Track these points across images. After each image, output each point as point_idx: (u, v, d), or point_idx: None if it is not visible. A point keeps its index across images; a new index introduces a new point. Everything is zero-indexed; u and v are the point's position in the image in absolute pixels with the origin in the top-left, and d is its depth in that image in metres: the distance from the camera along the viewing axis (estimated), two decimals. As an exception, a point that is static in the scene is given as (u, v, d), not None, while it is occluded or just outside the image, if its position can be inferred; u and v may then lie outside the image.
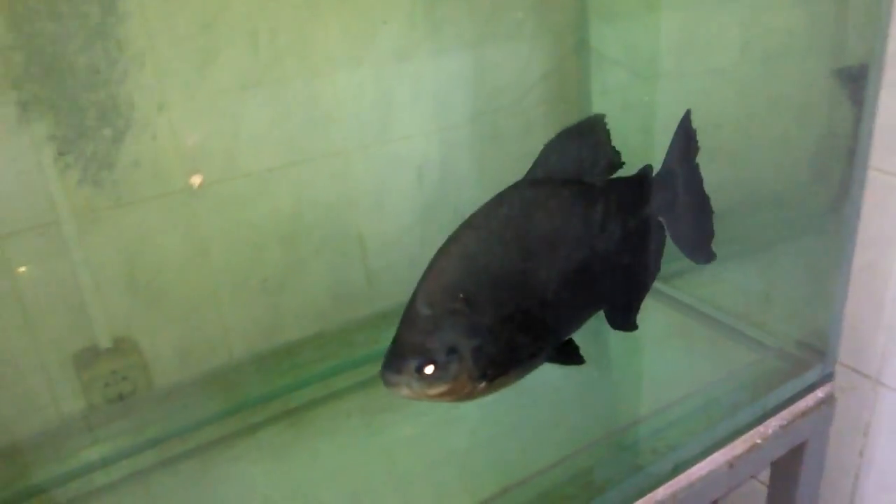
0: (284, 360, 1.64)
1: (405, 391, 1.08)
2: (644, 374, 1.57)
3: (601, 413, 1.49)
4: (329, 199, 1.65)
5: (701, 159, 1.74)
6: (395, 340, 1.10)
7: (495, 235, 1.16)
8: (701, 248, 1.40)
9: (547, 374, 1.50)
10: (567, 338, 1.24)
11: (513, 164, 1.24)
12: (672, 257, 1.82)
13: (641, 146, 1.74)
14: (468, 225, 1.17)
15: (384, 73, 1.62)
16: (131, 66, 1.37)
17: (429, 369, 1.06)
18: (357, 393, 1.55)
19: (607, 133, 1.26)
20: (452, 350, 1.08)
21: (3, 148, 1.31)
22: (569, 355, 1.24)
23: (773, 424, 1.43)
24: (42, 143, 1.33)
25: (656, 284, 1.76)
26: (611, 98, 1.80)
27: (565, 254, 1.20)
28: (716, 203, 1.72)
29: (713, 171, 1.73)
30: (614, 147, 1.26)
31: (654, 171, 1.35)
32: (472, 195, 1.24)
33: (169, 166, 1.45)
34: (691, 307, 1.69)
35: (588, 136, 1.25)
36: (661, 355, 1.60)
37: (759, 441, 1.41)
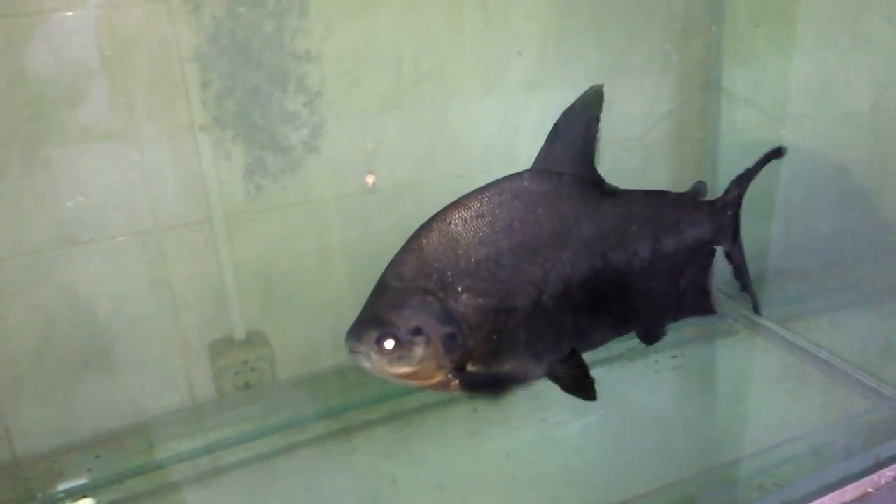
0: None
1: (366, 363, 1.04)
2: (755, 412, 1.55)
3: (709, 446, 1.49)
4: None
5: (828, 205, 1.73)
6: (362, 309, 1.06)
7: (486, 221, 1.06)
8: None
9: (654, 403, 1.52)
10: (575, 355, 1.16)
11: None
12: (792, 300, 1.81)
13: (767, 186, 1.74)
14: (458, 203, 1.08)
15: (513, 101, 1.70)
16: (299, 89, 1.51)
17: (388, 343, 1.02)
18: (466, 402, 1.60)
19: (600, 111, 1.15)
20: (418, 330, 1.02)
21: (172, 150, 1.47)
22: (579, 386, 1.16)
23: (886, 475, 1.39)
24: (208, 148, 1.48)
25: (769, 324, 1.75)
26: (738, 137, 1.80)
27: (570, 257, 1.09)
28: (842, 249, 1.69)
29: (840, 217, 1.71)
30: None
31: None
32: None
33: (311, 178, 1.58)
34: (807, 351, 1.67)
35: (589, 110, 1.14)
36: (774, 395, 1.59)
37: (870, 490, 1.37)
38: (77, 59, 1.35)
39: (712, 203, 1.26)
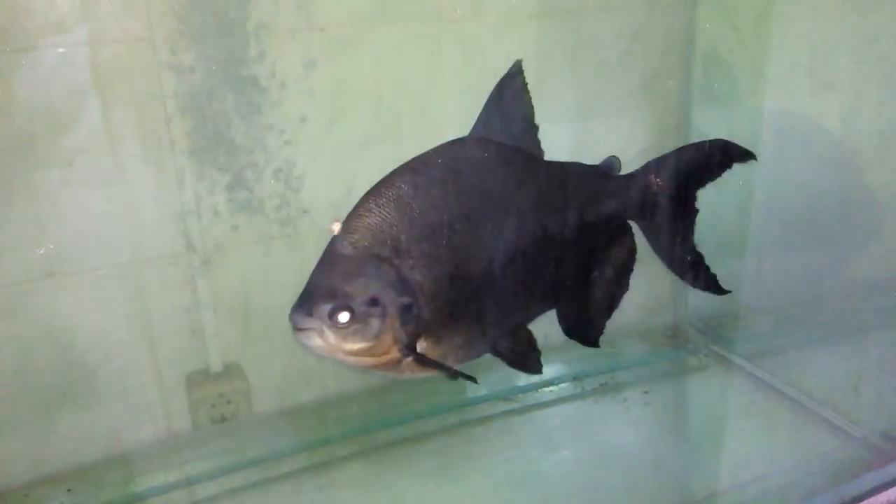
0: (374, 399, 1.73)
1: (317, 341, 0.95)
2: (724, 449, 1.57)
3: (679, 483, 1.50)
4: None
5: (799, 243, 1.76)
6: (309, 281, 0.97)
7: (437, 185, 1.00)
8: (684, 268, 1.28)
9: (625, 439, 1.54)
10: (521, 328, 1.12)
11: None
12: (763, 336, 1.83)
13: (737, 226, 1.77)
14: (403, 168, 1.01)
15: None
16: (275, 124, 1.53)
17: (343, 316, 0.92)
18: (438, 438, 1.62)
19: (524, 82, 1.13)
20: (374, 301, 0.94)
21: (152, 184, 1.49)
22: (523, 360, 1.11)
23: (852, 514, 1.41)
24: (187, 182, 1.50)
25: (740, 361, 1.77)
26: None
27: (512, 223, 1.05)
28: (812, 287, 1.72)
29: (811, 255, 1.74)
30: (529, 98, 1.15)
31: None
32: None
33: (290, 212, 1.60)
34: (776, 388, 1.69)
35: (512, 86, 1.12)
36: (743, 432, 1.61)
37: (836, 529, 1.39)
38: (60, 94, 1.37)
39: (621, 177, 1.24)
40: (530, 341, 1.13)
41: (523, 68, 1.15)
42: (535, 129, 1.15)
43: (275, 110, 1.53)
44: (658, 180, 1.23)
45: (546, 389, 1.70)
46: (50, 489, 1.49)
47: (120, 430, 1.59)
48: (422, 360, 1.00)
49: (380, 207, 0.98)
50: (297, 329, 0.95)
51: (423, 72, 1.64)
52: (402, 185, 0.99)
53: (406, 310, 0.96)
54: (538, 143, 1.15)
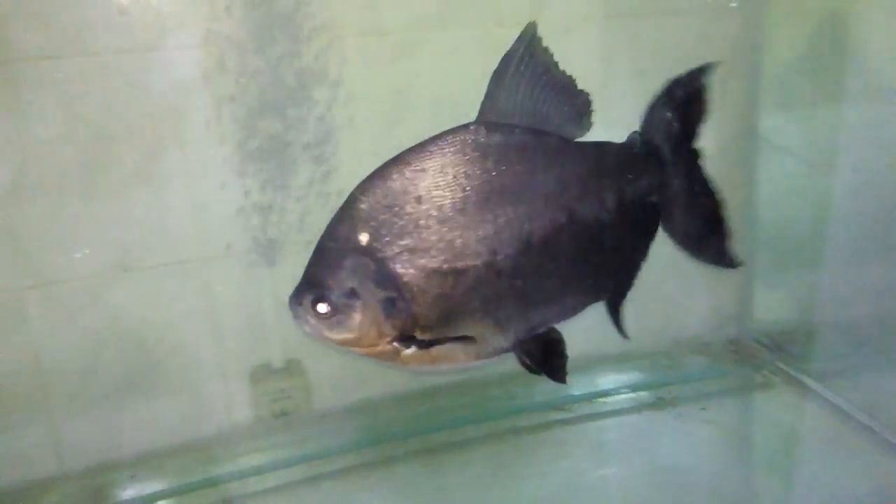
0: (427, 401, 1.74)
1: (306, 327, 0.99)
2: (786, 475, 1.50)
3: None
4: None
5: (878, 256, 1.66)
6: (304, 271, 1.00)
7: (427, 175, 0.97)
8: (707, 247, 1.17)
9: (679, 457, 1.49)
10: (549, 330, 1.07)
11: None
12: (834, 356, 1.74)
13: (812, 238, 1.69)
14: (397, 159, 0.99)
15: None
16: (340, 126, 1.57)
17: (321, 307, 0.96)
18: (488, 444, 1.61)
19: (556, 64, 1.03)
20: (353, 293, 0.96)
21: (219, 184, 1.54)
22: (548, 364, 1.06)
23: (921, 549, 1.33)
24: (254, 181, 1.56)
25: (808, 380, 1.69)
26: (777, 186, 1.76)
27: (526, 213, 1.00)
28: (882, 306, 1.61)
29: (891, 270, 1.64)
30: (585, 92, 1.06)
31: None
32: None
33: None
34: (846, 412, 1.60)
35: (532, 51, 1.03)
36: (807, 458, 1.53)
37: (902, 564, 1.31)
38: (135, 95, 1.44)
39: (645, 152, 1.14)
40: (556, 345, 1.07)
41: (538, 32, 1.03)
42: (566, 100, 1.05)
43: (339, 112, 1.55)
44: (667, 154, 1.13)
45: (600, 400, 1.68)
46: (115, 474, 1.57)
47: (184, 420, 1.65)
48: (423, 352, 1.00)
49: (365, 199, 0.98)
50: (294, 317, 1.00)
51: (481, 77, 1.63)
52: (393, 177, 0.97)
53: (389, 303, 0.96)
54: (573, 114, 1.06)
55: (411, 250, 0.96)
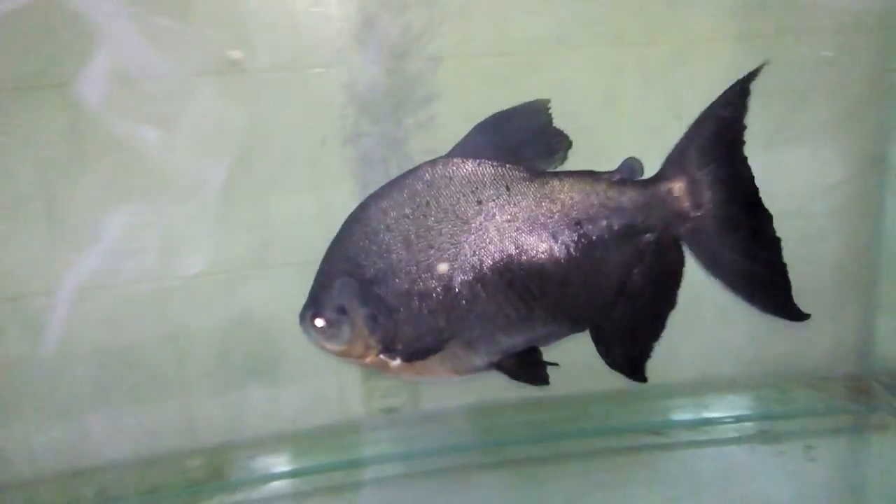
0: (526, 413, 1.77)
1: (311, 339, 1.15)
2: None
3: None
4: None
5: None
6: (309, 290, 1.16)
7: (395, 207, 1.10)
8: (759, 294, 1.11)
9: (779, 497, 1.43)
10: (519, 350, 1.13)
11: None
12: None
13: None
14: (375, 192, 1.13)
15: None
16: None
17: (318, 321, 1.12)
18: (582, 461, 1.63)
19: (550, 117, 1.13)
20: (342, 309, 1.11)
21: (344, 192, 1.64)
22: (525, 373, 1.14)
23: None
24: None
25: None
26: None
27: (476, 242, 1.09)
28: None
29: None
30: (562, 132, 1.13)
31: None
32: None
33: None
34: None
35: (528, 119, 1.13)
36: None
37: None
38: (273, 109, 1.57)
39: (645, 181, 1.12)
40: (530, 354, 1.15)
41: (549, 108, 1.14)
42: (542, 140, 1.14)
43: (452, 129, 1.61)
44: (681, 182, 1.10)
45: (701, 428, 1.65)
46: (236, 454, 1.72)
47: (300, 410, 1.77)
48: (408, 365, 1.12)
49: (348, 228, 1.13)
50: (303, 331, 1.16)
51: (601, 96, 1.64)
52: (370, 208, 1.11)
53: (371, 319, 1.10)
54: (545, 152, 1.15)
55: (384, 272, 1.10)
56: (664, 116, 1.65)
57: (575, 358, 1.22)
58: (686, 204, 1.09)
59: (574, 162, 1.64)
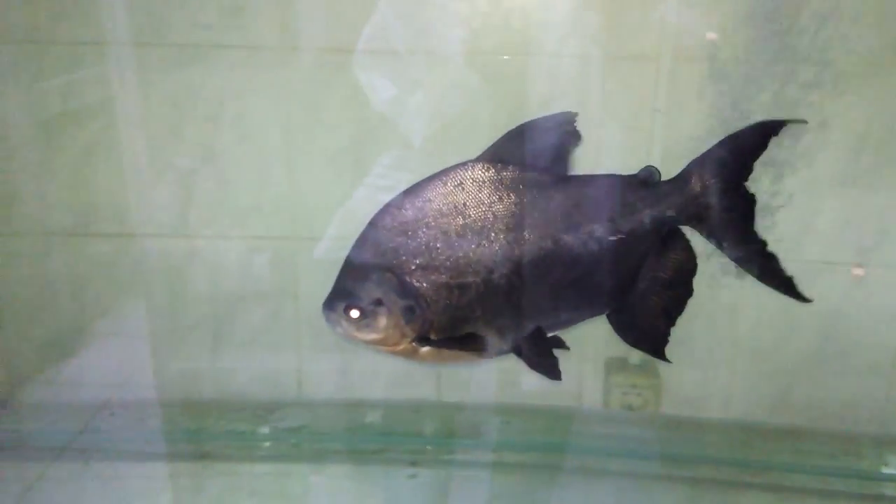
0: (784, 439, 1.72)
1: (339, 329, 1.20)
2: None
3: None
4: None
5: None
6: (334, 283, 1.22)
7: (432, 205, 1.19)
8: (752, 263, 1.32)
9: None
10: (538, 334, 1.25)
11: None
12: None
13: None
14: (409, 191, 1.22)
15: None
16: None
17: (354, 312, 1.17)
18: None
19: (576, 130, 1.25)
20: (379, 302, 1.17)
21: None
22: (542, 364, 1.24)
23: None
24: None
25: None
26: None
27: (515, 239, 1.21)
28: None
29: None
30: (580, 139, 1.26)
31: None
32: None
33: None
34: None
35: (555, 129, 1.25)
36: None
37: None
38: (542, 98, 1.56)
39: (660, 183, 1.29)
40: (543, 345, 1.26)
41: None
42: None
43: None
44: (700, 180, 1.28)
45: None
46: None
47: (537, 392, 1.79)
48: (434, 344, 1.21)
49: (383, 224, 1.21)
50: (326, 321, 1.21)
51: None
52: (406, 207, 1.20)
53: (409, 310, 1.18)
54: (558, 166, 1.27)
55: (424, 267, 1.19)
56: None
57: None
58: (701, 201, 1.28)
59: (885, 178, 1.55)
